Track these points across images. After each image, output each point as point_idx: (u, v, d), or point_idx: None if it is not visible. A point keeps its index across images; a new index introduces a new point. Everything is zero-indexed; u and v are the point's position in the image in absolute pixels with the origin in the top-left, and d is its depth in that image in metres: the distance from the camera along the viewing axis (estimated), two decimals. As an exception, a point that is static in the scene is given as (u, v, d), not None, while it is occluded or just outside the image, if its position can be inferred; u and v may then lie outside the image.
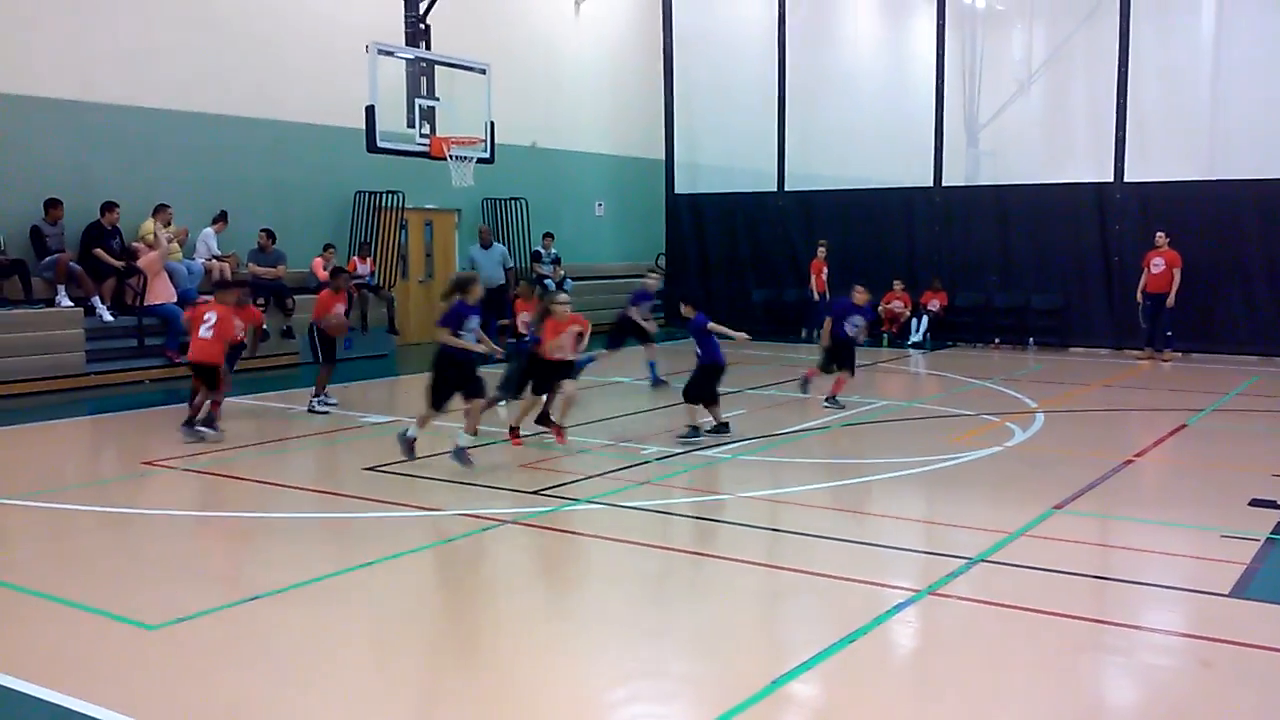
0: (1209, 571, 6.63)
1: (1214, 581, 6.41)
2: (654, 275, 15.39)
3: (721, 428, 10.49)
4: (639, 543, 7.23)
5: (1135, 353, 17.32)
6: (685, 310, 10.73)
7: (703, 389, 10.47)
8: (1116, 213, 18.15)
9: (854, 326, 12.41)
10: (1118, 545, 7.61)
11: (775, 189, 21.45)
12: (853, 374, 12.46)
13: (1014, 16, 23.31)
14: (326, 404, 12.21)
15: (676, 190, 22.53)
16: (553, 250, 20.31)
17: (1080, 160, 19.46)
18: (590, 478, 8.94)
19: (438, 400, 9.32)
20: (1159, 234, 16.95)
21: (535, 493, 8.43)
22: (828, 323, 12.53)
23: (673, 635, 5.74)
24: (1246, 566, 6.65)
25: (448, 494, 8.49)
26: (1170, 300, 16.64)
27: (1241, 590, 6.29)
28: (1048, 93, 21.95)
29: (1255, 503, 8.02)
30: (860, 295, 12.44)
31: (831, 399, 12.34)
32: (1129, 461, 9.69)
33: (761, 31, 21.49)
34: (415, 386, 15.15)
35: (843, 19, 23.86)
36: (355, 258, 17.51)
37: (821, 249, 19.26)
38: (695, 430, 10.39)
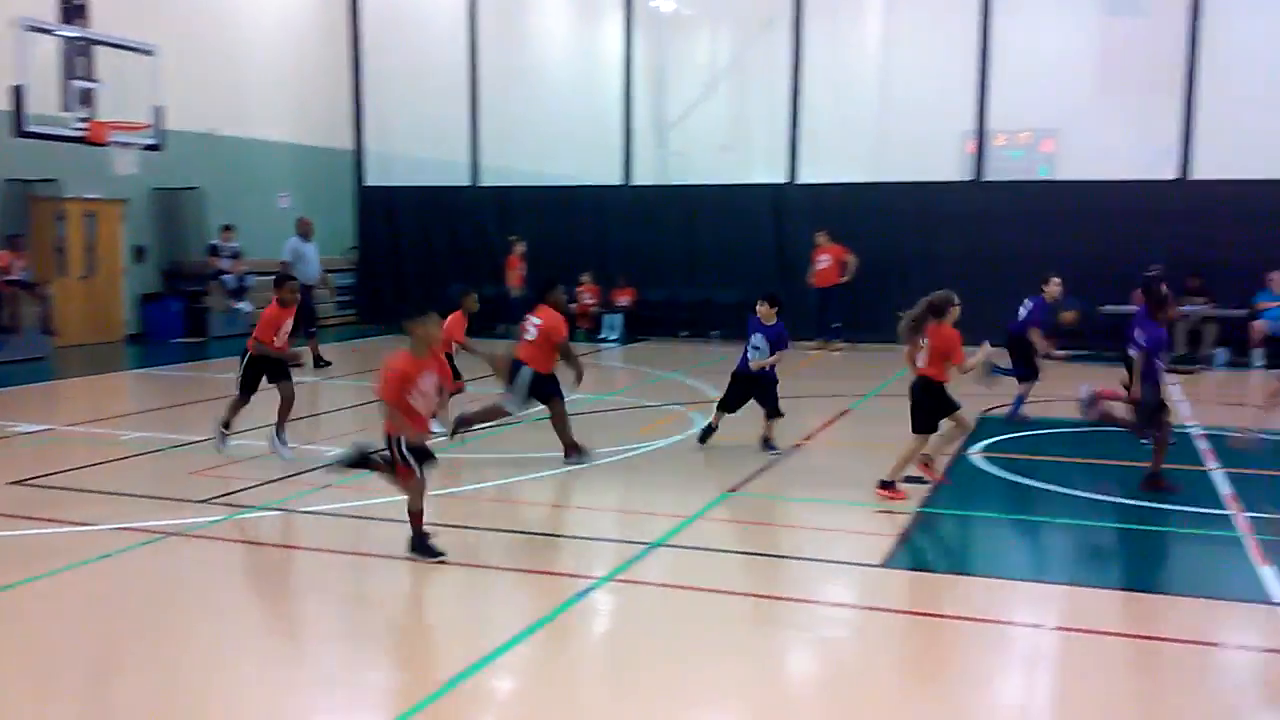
0: (864, 545, 7.13)
1: (868, 554, 6.90)
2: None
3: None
4: (316, 548, 6.95)
5: (808, 343, 18.40)
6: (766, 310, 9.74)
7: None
8: (791, 212, 19.25)
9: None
10: (785, 524, 8.05)
11: (470, 183, 21.33)
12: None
13: (700, 21, 24.27)
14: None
15: (368, 182, 21.97)
16: (233, 243, 19.26)
17: (759, 162, 20.52)
18: (267, 483, 8.51)
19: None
20: (819, 233, 18.11)
21: (204, 501, 7.94)
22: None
23: (352, 640, 5.56)
24: (896, 538, 7.21)
25: (105, 507, 7.83)
26: (849, 273, 17.72)
27: (890, 560, 6.80)
28: (731, 96, 23.00)
29: (906, 479, 8.68)
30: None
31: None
32: (798, 445, 10.28)
33: (454, 23, 21.28)
34: (77, 391, 14.12)
35: (535, 15, 24.03)
36: (4, 251, 15.92)
37: (519, 244, 19.32)
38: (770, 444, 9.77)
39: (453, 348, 10.07)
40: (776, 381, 10.02)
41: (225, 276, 18.99)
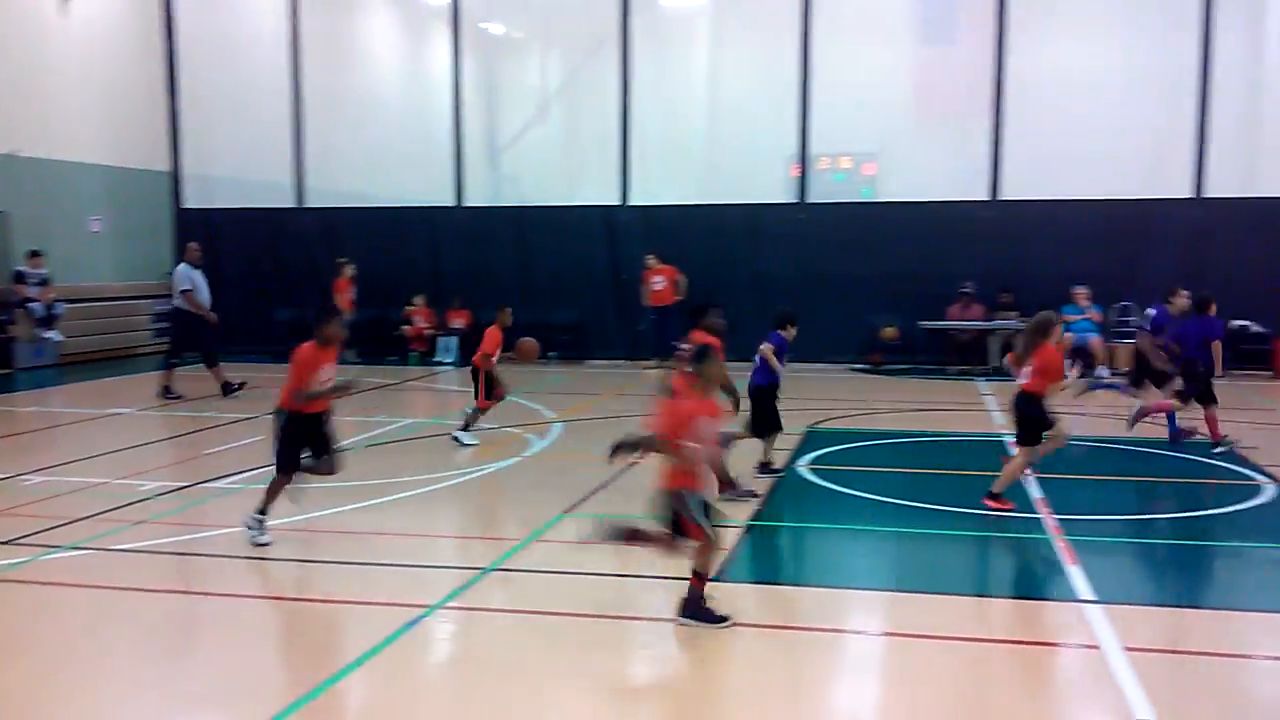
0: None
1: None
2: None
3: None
4: (132, 588, 6.61)
5: (646, 362, 18.55)
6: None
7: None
8: (623, 233, 19.43)
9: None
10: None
11: (295, 204, 20.77)
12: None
13: (530, 44, 24.26)
14: None
15: (187, 204, 21.15)
16: (41, 269, 18.24)
17: (591, 183, 20.64)
18: (77, 520, 8.06)
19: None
20: (649, 255, 18.34)
21: (6, 543, 7.46)
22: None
23: (166, 686, 5.30)
24: (726, 553, 7.31)
25: (-107, 552, 7.28)
26: (681, 293, 17.94)
27: (722, 574, 6.89)
28: (563, 119, 23.07)
29: (743, 494, 8.83)
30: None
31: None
32: (634, 463, 10.33)
33: (276, 42, 20.73)
34: None
35: (362, 35, 23.60)
36: None
37: (347, 267, 18.89)
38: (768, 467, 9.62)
39: (492, 363, 10.78)
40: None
41: (33, 304, 17.95)
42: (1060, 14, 18.30)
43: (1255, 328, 16.70)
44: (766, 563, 7.62)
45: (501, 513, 8.63)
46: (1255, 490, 9.14)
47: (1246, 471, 9.75)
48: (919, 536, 8.01)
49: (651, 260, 18.40)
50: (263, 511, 7.46)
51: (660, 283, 18.33)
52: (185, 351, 15.04)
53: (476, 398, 11.20)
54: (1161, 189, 17.48)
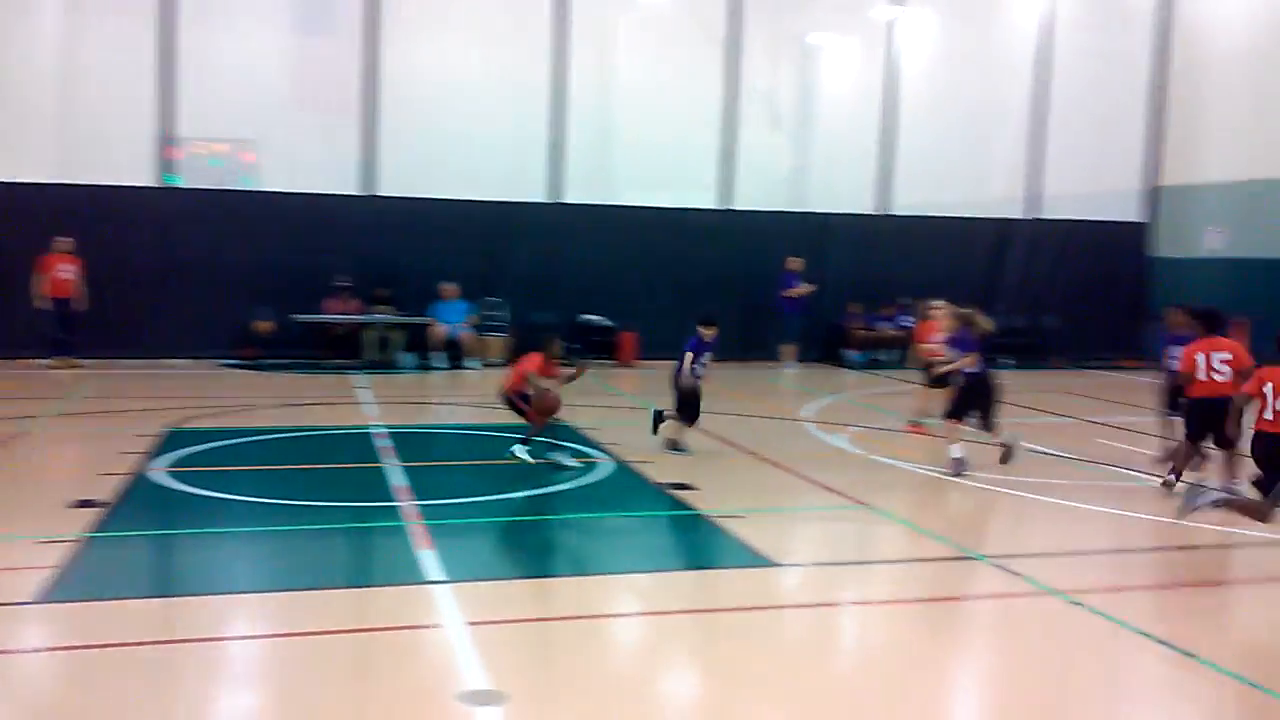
0: (18, 580, 6.34)
1: (20, 590, 6.15)
2: None
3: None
4: None
5: (45, 361, 15.95)
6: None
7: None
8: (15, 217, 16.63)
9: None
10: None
11: None
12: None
13: None
14: None
15: None
16: None
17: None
18: None
19: None
20: (57, 239, 15.94)
21: None
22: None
23: None
24: (59, 569, 6.54)
25: None
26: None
27: (48, 595, 6.15)
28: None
29: (78, 504, 7.98)
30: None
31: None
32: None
33: None
34: None
35: None
36: None
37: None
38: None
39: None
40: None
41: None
42: (433, 16, 18.93)
43: (604, 322, 18.55)
44: (98, 579, 6.79)
45: None
46: (595, 467, 10.07)
47: (589, 450, 10.72)
48: (281, 534, 7.78)
49: (62, 244, 15.91)
50: None
51: (67, 271, 15.89)
52: None
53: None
54: (522, 192, 18.81)
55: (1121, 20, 21.47)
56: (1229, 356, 8.88)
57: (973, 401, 10.13)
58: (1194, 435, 9.17)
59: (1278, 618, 6.62)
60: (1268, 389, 7.35)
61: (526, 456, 9.89)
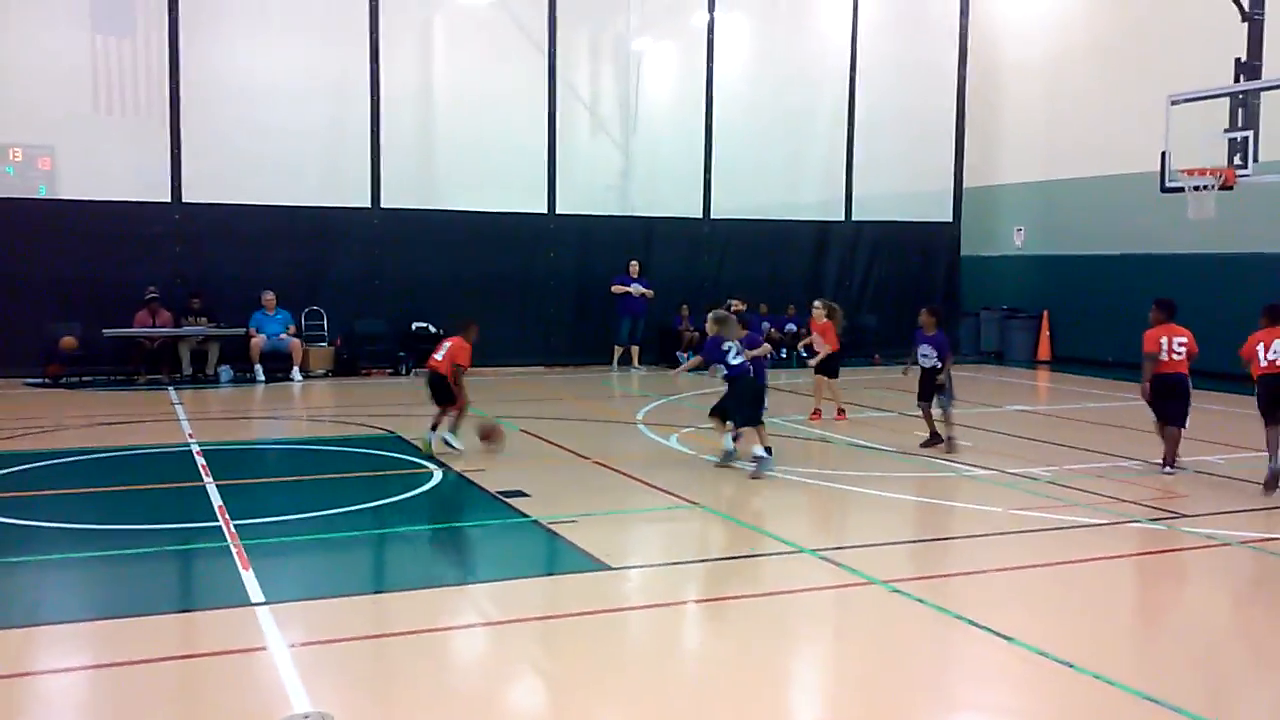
0: None
1: None
2: None
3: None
4: None
5: None
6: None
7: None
8: None
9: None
10: None
11: None
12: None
13: None
14: None
15: None
16: None
17: None
18: None
19: None
20: None
21: None
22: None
23: None
24: None
25: None
26: None
27: None
28: None
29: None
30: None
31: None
32: None
33: None
34: None
35: None
36: None
37: None
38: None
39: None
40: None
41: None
42: (241, 14, 18.28)
43: (431, 328, 18.24)
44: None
45: None
46: (427, 477, 9.90)
47: (419, 460, 10.53)
48: (95, 560, 7.35)
49: None
50: None
51: None
52: None
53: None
54: (343, 197, 18.35)
55: (924, 27, 22.41)
56: (1185, 340, 10.15)
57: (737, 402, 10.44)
58: (1158, 411, 10.30)
59: (1085, 598, 7.01)
60: (1259, 347, 9.43)
61: (456, 444, 10.65)
